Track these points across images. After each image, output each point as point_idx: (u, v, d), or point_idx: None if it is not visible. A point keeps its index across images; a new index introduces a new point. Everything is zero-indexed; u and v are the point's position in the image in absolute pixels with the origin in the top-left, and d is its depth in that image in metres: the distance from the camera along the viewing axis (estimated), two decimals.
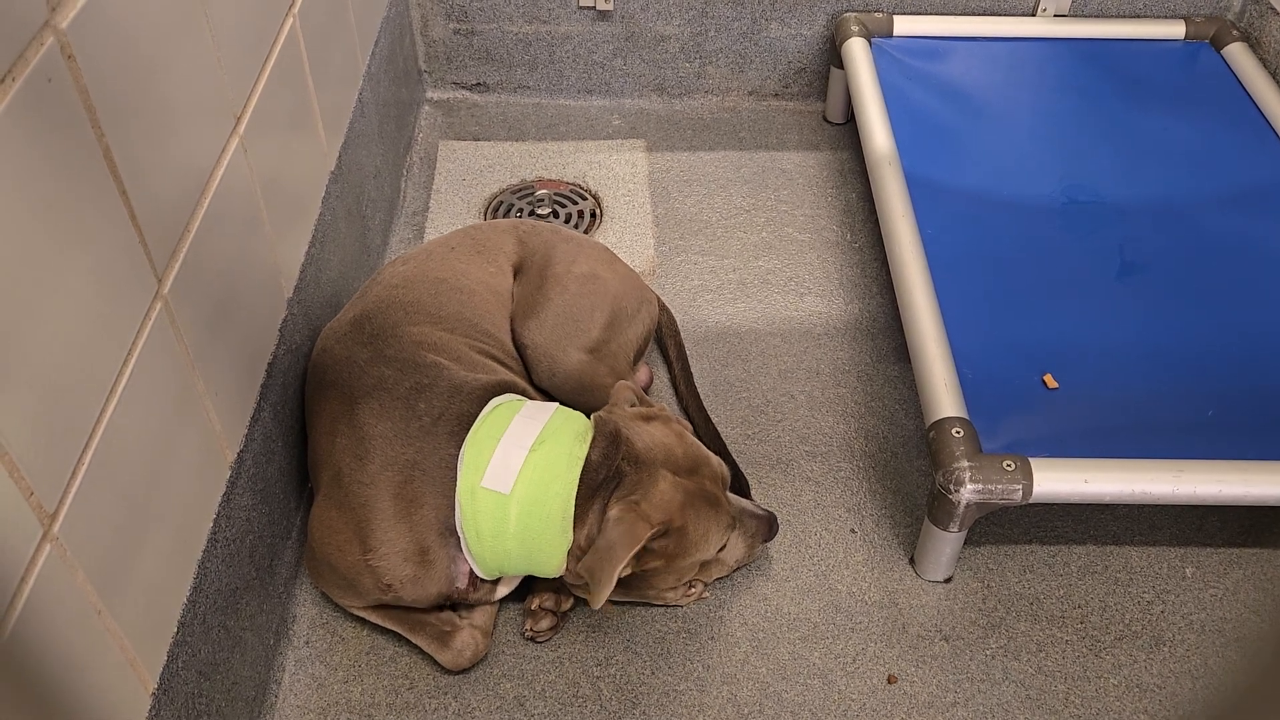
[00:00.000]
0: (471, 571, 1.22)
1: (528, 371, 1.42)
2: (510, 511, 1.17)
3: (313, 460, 1.31)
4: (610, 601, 1.32)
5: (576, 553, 1.19)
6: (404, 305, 1.33)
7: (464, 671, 1.27)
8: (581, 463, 1.19)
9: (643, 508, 1.17)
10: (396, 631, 1.29)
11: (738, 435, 1.56)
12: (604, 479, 1.19)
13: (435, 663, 1.27)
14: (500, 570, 1.21)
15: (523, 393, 1.30)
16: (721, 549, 1.29)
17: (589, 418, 1.25)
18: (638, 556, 1.18)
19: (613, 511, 1.17)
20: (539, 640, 1.30)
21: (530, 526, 1.17)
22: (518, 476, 1.17)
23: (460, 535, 1.19)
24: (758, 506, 1.34)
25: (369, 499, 1.19)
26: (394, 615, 1.28)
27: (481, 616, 1.28)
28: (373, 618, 1.29)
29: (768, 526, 1.33)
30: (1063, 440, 1.33)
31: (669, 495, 1.19)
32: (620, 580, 1.18)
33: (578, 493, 1.17)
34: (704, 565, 1.31)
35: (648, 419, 1.27)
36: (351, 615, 1.32)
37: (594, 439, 1.21)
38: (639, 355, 1.53)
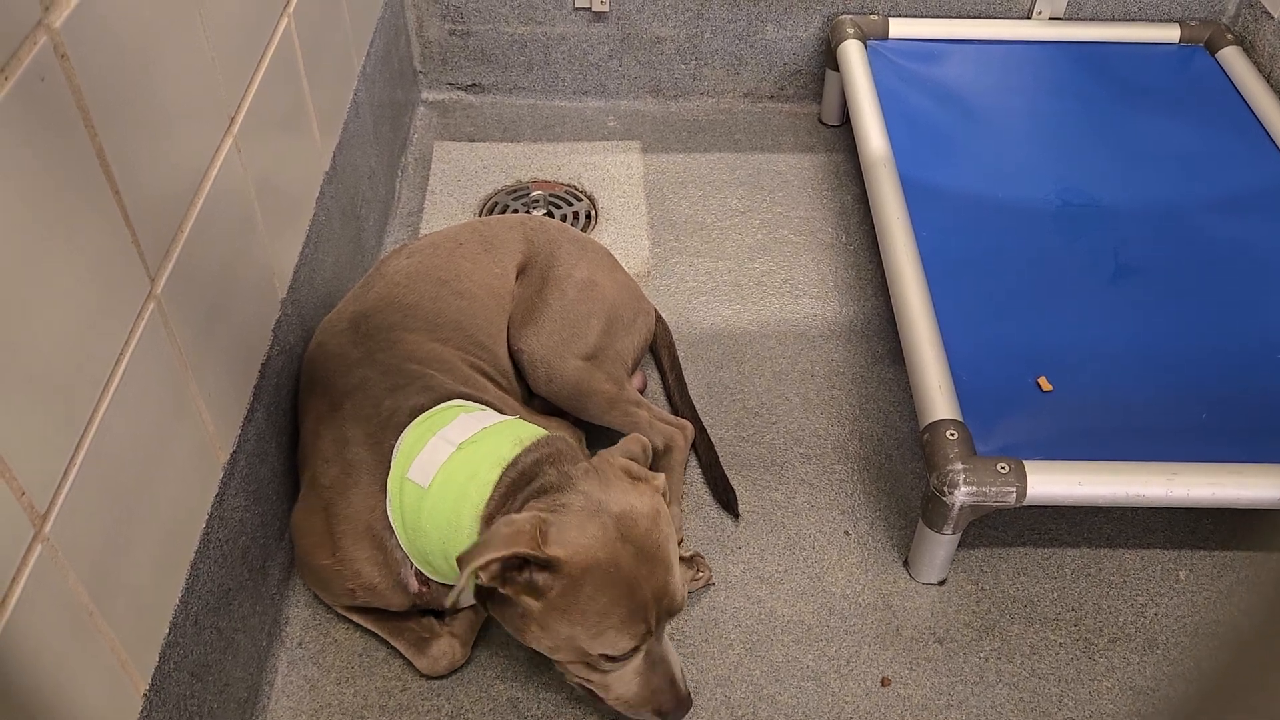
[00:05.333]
0: (419, 570, 1.19)
1: (523, 379, 1.42)
2: (424, 506, 1.11)
3: (300, 456, 1.31)
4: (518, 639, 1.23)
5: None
6: (403, 307, 1.32)
7: (441, 678, 1.26)
8: (504, 465, 1.10)
9: (547, 529, 1.03)
10: (378, 634, 1.28)
11: (732, 437, 1.56)
12: (527, 482, 1.10)
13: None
14: (431, 570, 1.17)
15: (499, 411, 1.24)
16: (611, 660, 1.08)
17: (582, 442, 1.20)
18: (513, 578, 1.04)
19: (519, 514, 1.05)
20: None
21: (440, 527, 1.11)
22: (437, 472, 1.11)
23: (391, 526, 1.16)
24: (684, 682, 1.14)
25: (330, 501, 1.19)
26: (373, 617, 1.28)
27: (462, 625, 1.27)
28: (354, 617, 1.29)
29: (675, 703, 1.12)
30: (1057, 443, 1.33)
31: (590, 542, 1.03)
32: (505, 608, 1.07)
33: (497, 493, 1.09)
34: (585, 664, 1.10)
35: (635, 478, 1.12)
36: (344, 617, 1.31)
37: (533, 445, 1.13)
38: (635, 365, 1.53)
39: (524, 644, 1.11)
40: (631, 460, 1.15)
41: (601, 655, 1.07)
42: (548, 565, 1.02)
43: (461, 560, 1.03)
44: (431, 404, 1.19)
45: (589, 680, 1.12)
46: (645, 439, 1.21)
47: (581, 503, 1.06)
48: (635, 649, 1.08)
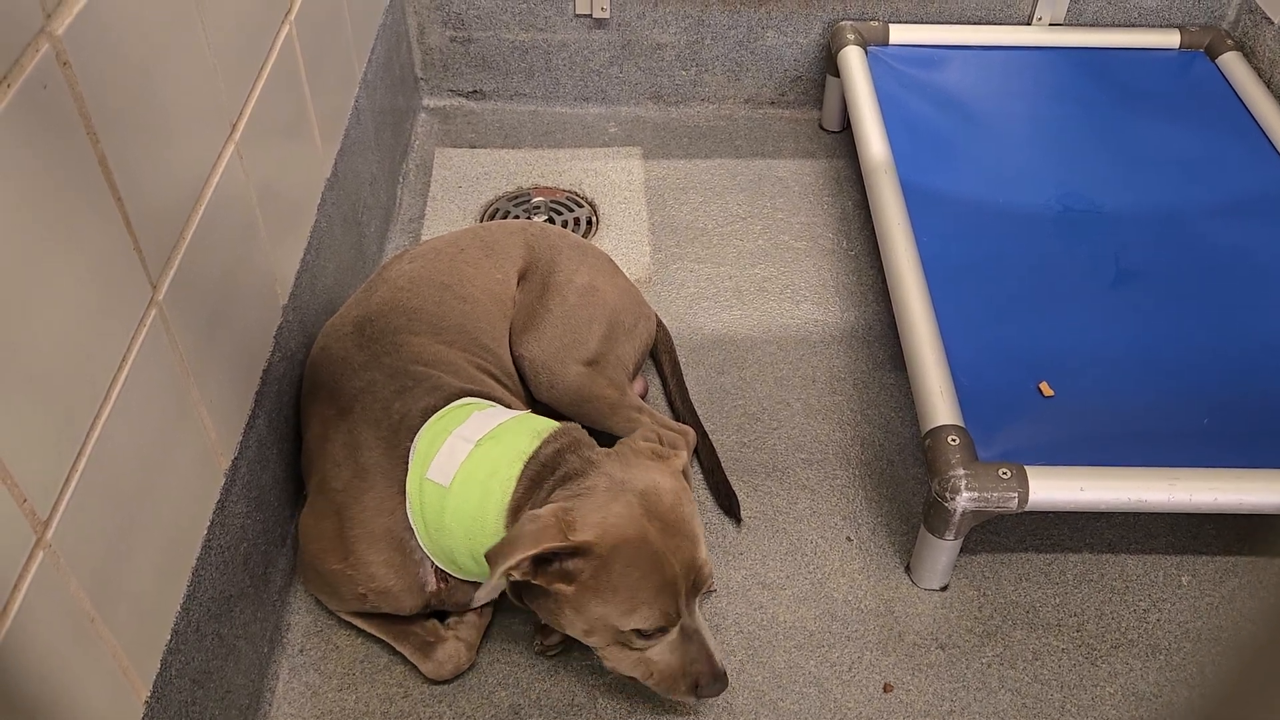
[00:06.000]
0: (439, 569, 1.20)
1: (525, 384, 1.42)
2: (446, 505, 1.12)
3: (305, 461, 1.31)
4: (542, 639, 1.27)
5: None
6: (407, 311, 1.33)
7: (446, 682, 1.26)
8: (525, 459, 1.12)
9: (573, 516, 1.05)
10: (382, 638, 1.28)
11: (733, 443, 1.56)
12: (550, 472, 1.11)
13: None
14: (455, 568, 1.18)
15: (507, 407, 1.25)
16: (647, 637, 1.10)
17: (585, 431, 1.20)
18: (544, 569, 1.06)
19: (542, 508, 1.06)
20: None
21: (465, 525, 1.12)
22: (457, 471, 1.12)
23: (413, 528, 1.17)
24: (720, 658, 1.14)
25: (343, 505, 1.19)
26: (379, 622, 1.28)
27: (467, 629, 1.27)
28: (358, 622, 1.29)
29: (711, 675, 1.12)
30: (1058, 448, 1.33)
31: (615, 520, 1.05)
32: (538, 596, 1.09)
33: (520, 486, 1.11)
34: (620, 645, 1.12)
35: (655, 456, 1.15)
36: (345, 623, 1.31)
37: (551, 436, 1.14)
38: (636, 369, 1.53)
39: (561, 630, 1.14)
40: (635, 438, 1.18)
41: (634, 631, 1.08)
42: (576, 552, 1.04)
43: (490, 558, 1.05)
44: (442, 403, 1.19)
45: (628, 663, 1.14)
46: (655, 432, 1.22)
47: (606, 483, 1.09)
48: (668, 624, 1.10)
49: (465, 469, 1.12)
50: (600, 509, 1.06)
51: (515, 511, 1.11)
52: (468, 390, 1.23)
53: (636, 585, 1.06)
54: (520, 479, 1.12)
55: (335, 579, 1.22)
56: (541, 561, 1.05)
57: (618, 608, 1.07)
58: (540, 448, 1.13)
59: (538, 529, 1.03)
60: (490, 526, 1.11)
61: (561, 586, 1.07)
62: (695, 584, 1.11)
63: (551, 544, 1.02)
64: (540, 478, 1.12)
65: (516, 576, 1.05)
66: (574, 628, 1.11)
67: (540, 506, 1.09)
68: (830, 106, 2.16)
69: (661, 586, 1.07)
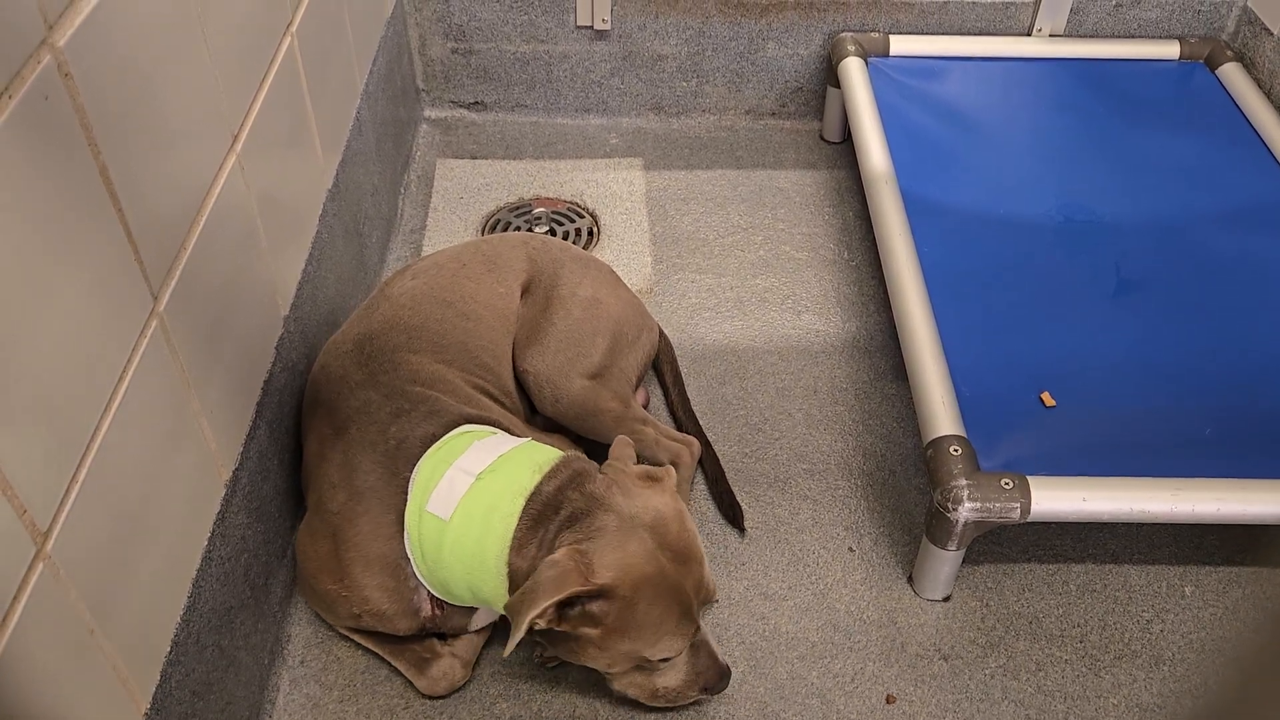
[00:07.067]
0: (434, 596, 1.19)
1: (529, 398, 1.41)
2: (445, 539, 1.12)
3: (304, 477, 1.31)
4: (555, 660, 1.27)
5: (513, 584, 1.10)
6: (408, 329, 1.32)
7: (441, 698, 1.26)
8: (527, 495, 1.11)
9: (590, 559, 1.05)
10: (378, 654, 1.28)
11: (735, 454, 1.55)
12: (554, 510, 1.10)
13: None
14: (450, 597, 1.17)
15: (506, 431, 1.24)
16: (665, 660, 1.14)
17: (585, 457, 1.19)
18: (567, 614, 1.07)
19: (557, 553, 1.06)
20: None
21: (464, 560, 1.11)
22: (458, 504, 1.12)
23: (410, 557, 1.16)
24: (720, 654, 1.19)
25: (338, 527, 1.19)
26: (376, 637, 1.27)
27: (464, 646, 1.27)
28: (356, 637, 1.29)
29: (718, 675, 1.17)
30: (1060, 458, 1.33)
31: (634, 560, 1.06)
32: (559, 639, 1.11)
33: (523, 524, 1.10)
34: (641, 669, 1.15)
35: (649, 480, 1.16)
36: (344, 635, 1.31)
37: (552, 470, 1.14)
38: (639, 381, 1.53)
39: (580, 664, 1.16)
40: (622, 459, 1.20)
41: (660, 660, 1.12)
42: (600, 594, 1.05)
43: (512, 609, 1.05)
44: (441, 430, 1.19)
45: (639, 683, 1.18)
46: (629, 439, 1.24)
47: (615, 522, 1.09)
48: (686, 645, 1.14)
49: (465, 503, 1.12)
50: (616, 549, 1.07)
51: (518, 549, 1.10)
52: (466, 414, 1.22)
53: (661, 620, 1.09)
54: (522, 516, 1.11)
55: (330, 598, 1.21)
56: (563, 605, 1.06)
57: (645, 643, 1.10)
58: (542, 483, 1.13)
59: (558, 574, 1.04)
60: (490, 563, 1.11)
61: (587, 630, 1.08)
62: (704, 600, 1.15)
63: (575, 589, 1.03)
64: (543, 516, 1.11)
65: (542, 624, 1.05)
66: (597, 663, 1.13)
67: (546, 547, 1.09)
68: (831, 117, 2.17)
69: (682, 614, 1.10)
